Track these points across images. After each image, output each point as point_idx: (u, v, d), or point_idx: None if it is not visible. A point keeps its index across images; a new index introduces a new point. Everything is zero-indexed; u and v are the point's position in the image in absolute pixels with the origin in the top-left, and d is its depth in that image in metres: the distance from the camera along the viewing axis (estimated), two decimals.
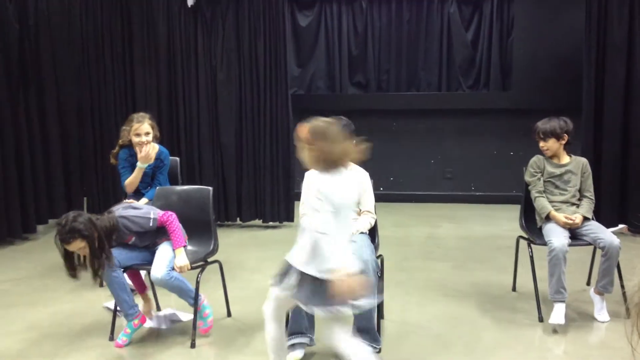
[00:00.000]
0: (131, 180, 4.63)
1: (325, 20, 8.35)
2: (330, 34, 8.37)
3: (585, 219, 4.07)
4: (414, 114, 8.26)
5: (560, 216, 4.03)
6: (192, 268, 3.76)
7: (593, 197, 4.18)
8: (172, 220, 3.70)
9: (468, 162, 8.23)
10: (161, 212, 3.71)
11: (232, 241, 6.22)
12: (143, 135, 4.57)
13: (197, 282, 3.70)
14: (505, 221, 6.79)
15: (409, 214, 7.61)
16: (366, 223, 3.70)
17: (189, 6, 6.57)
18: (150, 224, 3.66)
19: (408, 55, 8.30)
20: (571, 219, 4.01)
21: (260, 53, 6.59)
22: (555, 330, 3.79)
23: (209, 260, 3.96)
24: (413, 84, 8.38)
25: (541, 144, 4.20)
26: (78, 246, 3.41)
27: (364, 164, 3.88)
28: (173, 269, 3.58)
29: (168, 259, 3.61)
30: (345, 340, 2.80)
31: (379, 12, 8.26)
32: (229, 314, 4.15)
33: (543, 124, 4.19)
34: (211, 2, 6.60)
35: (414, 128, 8.35)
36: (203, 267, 3.86)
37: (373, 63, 8.36)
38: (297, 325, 3.41)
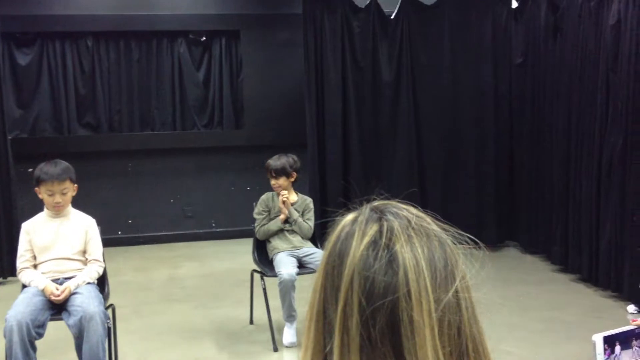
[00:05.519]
0: None
1: (48, 59, 7.85)
2: (54, 73, 7.88)
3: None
4: (150, 153, 8.13)
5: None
6: None
7: (312, 226, 4.46)
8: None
9: (207, 199, 8.30)
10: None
11: None
12: None
13: None
14: (244, 255, 6.88)
15: (150, 256, 7.40)
16: (93, 272, 3.53)
17: None
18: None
19: (140, 94, 8.15)
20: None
21: None
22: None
23: None
24: (147, 124, 8.25)
25: (272, 181, 4.41)
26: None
27: (92, 210, 3.73)
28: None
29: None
30: None
31: (107, 51, 8.00)
32: None
33: (274, 162, 4.40)
34: None
35: (151, 168, 8.21)
36: None
37: (103, 103, 8.05)
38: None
